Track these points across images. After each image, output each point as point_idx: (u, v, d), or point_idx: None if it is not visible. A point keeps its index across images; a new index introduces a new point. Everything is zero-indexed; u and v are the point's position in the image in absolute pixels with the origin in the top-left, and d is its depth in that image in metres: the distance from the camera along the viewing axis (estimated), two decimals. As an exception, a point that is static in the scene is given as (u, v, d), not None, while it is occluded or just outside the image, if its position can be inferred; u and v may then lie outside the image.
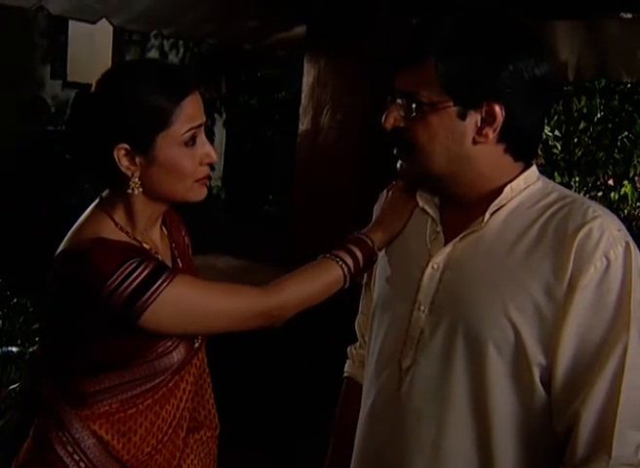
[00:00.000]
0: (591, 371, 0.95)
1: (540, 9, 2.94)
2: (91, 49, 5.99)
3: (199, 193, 1.13)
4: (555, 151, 5.68)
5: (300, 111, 3.45)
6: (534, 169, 1.08)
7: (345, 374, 1.36)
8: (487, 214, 1.04)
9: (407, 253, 1.15)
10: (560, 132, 5.64)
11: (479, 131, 1.02)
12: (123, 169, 1.06)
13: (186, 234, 1.32)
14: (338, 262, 1.14)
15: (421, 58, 1.01)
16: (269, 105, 7.10)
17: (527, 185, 1.06)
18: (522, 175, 1.06)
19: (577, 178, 5.61)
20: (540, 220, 1.02)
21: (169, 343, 1.09)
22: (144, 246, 1.12)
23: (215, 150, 1.13)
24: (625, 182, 5.48)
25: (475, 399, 1.02)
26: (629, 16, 2.91)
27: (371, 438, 1.15)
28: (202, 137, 1.11)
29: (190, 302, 1.06)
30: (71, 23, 5.55)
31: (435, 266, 1.07)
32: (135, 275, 1.00)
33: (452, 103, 1.00)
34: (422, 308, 1.07)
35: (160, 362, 1.10)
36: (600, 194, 5.61)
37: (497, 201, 1.04)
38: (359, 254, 1.16)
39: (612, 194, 5.56)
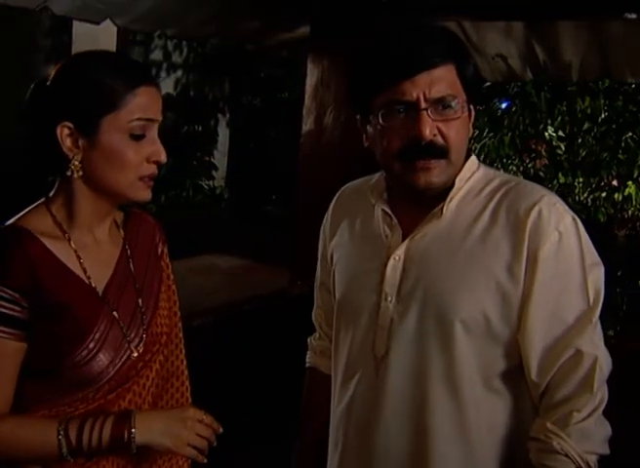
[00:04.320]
0: (566, 334, 1.06)
1: (544, 9, 2.93)
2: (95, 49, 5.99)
3: (142, 193, 1.08)
4: (559, 152, 5.66)
5: (304, 111, 3.44)
6: (473, 158, 1.17)
7: (308, 364, 1.43)
8: (446, 205, 1.11)
9: (365, 249, 1.21)
10: (564, 132, 5.63)
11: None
12: (65, 149, 1.04)
13: (162, 242, 1.26)
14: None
15: (441, 63, 1.05)
16: (273, 106, 7.10)
17: (472, 174, 1.14)
18: (465, 164, 1.14)
19: (580, 179, 5.60)
20: (490, 205, 1.11)
21: (84, 353, 1.05)
22: (72, 245, 1.08)
23: (164, 151, 1.08)
24: (629, 183, 5.47)
25: (447, 376, 1.09)
26: (634, 16, 2.89)
27: (354, 428, 1.19)
28: (153, 135, 1.07)
29: None
30: (75, 24, 5.56)
31: (397, 258, 1.13)
32: None
33: (469, 104, 1.10)
34: (390, 299, 1.13)
35: (80, 372, 1.05)
36: (604, 195, 5.60)
37: (452, 192, 1.12)
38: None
39: (616, 195, 5.55)
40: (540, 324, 1.06)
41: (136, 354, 1.11)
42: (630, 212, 5.54)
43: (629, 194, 5.48)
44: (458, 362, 1.08)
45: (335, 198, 1.36)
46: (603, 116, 5.48)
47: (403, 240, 1.14)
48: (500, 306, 1.06)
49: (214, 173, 6.74)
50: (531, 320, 1.06)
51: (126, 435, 1.03)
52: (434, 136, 1.06)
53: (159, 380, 1.18)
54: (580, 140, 5.61)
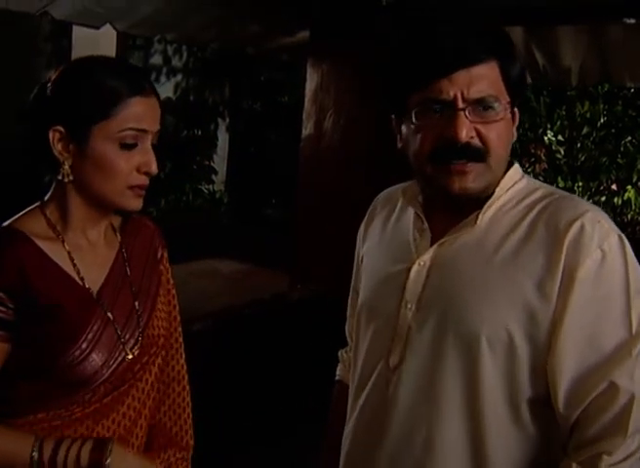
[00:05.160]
0: (602, 364, 0.96)
1: (544, 14, 2.94)
2: (95, 53, 5.99)
3: (132, 202, 1.07)
4: (558, 156, 5.67)
5: (304, 115, 3.44)
6: (517, 166, 1.09)
7: (337, 378, 1.36)
8: (481, 214, 1.04)
9: (392, 252, 1.15)
10: (563, 136, 5.63)
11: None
12: (56, 153, 1.04)
13: (161, 246, 1.25)
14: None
15: (483, 60, 0.98)
16: (273, 109, 7.11)
17: (513, 183, 1.07)
18: (507, 173, 1.07)
19: (580, 183, 5.60)
20: (528, 217, 1.02)
21: (77, 353, 1.04)
22: (65, 246, 1.08)
23: (156, 163, 1.07)
24: (629, 187, 5.48)
25: (467, 394, 1.01)
26: (633, 21, 2.90)
27: (361, 438, 1.15)
28: (147, 145, 1.06)
29: None
30: (75, 28, 5.56)
31: (422, 263, 1.07)
32: None
33: (513, 105, 1.03)
34: (410, 306, 1.06)
35: (74, 372, 1.04)
36: (603, 199, 5.60)
37: (491, 200, 1.04)
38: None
39: (615, 199, 5.55)
40: (572, 349, 0.96)
41: (130, 356, 1.10)
42: (630, 216, 5.55)
43: (629, 198, 5.48)
44: (478, 380, 1.00)
45: (371, 205, 1.29)
46: (602, 120, 5.48)
47: (432, 245, 1.07)
48: (525, 325, 0.97)
49: (213, 177, 6.74)
50: (561, 344, 0.96)
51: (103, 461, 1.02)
52: (471, 138, 0.98)
53: (160, 385, 1.18)
54: (579, 145, 5.61)
